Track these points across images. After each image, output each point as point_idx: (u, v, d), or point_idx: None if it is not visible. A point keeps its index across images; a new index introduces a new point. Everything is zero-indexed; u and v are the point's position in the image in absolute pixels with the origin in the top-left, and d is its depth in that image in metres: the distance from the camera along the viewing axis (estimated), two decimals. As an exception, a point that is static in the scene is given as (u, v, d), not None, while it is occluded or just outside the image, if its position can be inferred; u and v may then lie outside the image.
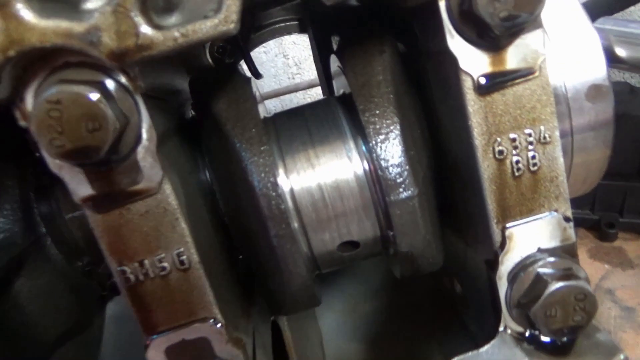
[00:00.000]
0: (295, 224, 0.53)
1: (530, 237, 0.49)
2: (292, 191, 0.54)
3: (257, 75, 0.91)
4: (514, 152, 0.47)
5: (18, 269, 0.57)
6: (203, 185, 0.56)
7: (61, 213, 0.57)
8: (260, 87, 0.80)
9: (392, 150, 0.49)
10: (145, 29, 0.37)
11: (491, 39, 0.42)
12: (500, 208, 0.48)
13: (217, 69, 0.72)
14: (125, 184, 0.43)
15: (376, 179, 0.51)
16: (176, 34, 0.37)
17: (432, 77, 0.52)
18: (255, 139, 0.50)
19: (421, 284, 0.86)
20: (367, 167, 0.53)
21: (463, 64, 0.44)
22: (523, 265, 0.49)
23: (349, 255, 0.57)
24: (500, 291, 0.50)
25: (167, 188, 0.44)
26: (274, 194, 0.50)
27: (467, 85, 0.45)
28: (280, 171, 0.54)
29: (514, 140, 0.47)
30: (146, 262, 0.46)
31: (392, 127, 0.49)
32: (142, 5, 0.37)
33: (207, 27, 0.37)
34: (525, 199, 0.48)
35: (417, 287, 0.86)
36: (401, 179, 0.49)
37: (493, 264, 0.50)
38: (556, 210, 0.49)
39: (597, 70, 0.54)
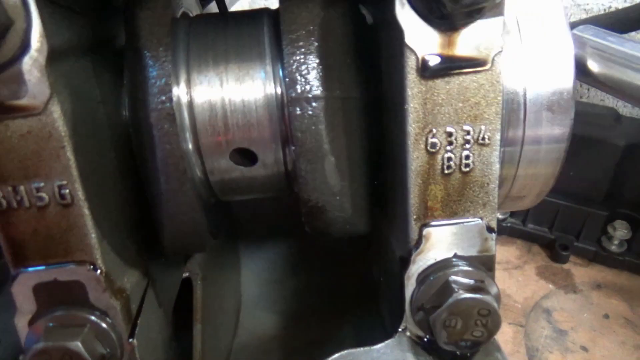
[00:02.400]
0: (190, 143, 0.49)
1: (448, 240, 0.46)
2: (190, 105, 0.48)
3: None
4: (447, 147, 0.43)
5: None
6: (118, 120, 0.51)
7: None
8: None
9: (307, 70, 0.45)
10: None
11: (444, 15, 0.37)
12: (422, 204, 0.45)
13: None
14: (3, 96, 0.38)
15: (287, 102, 0.46)
16: None
17: (383, 48, 0.47)
18: (154, 45, 0.45)
19: (351, 269, 0.83)
20: (279, 91, 0.48)
21: (409, 38, 0.40)
22: (435, 269, 0.46)
23: (246, 177, 0.52)
24: (407, 291, 0.47)
25: (56, 111, 0.39)
26: (166, 105, 0.45)
27: (410, 64, 0.40)
28: (182, 83, 0.48)
29: (450, 134, 0.43)
30: (21, 188, 0.41)
31: (311, 57, 0.45)
32: None
33: None
34: (450, 199, 0.44)
35: (346, 272, 0.83)
36: (308, 79, 0.45)
37: (405, 262, 0.47)
38: (481, 218, 0.45)
39: (563, 81, 0.49)
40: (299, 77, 0.46)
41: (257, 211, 0.88)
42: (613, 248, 1.36)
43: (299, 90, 0.46)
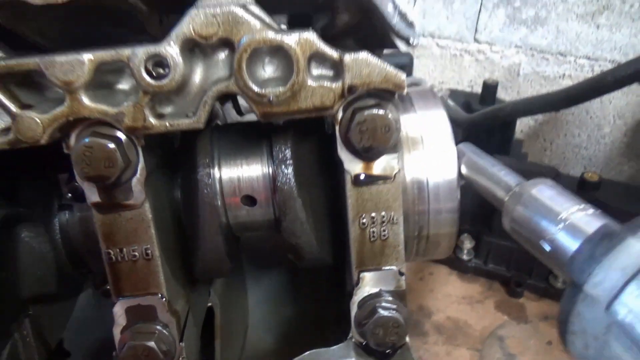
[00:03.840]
0: (219, 200, 0.77)
1: (375, 280, 0.75)
2: (220, 179, 0.78)
3: (240, 113, 1.17)
4: (372, 225, 0.73)
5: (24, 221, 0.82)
6: (173, 199, 0.82)
7: (73, 211, 0.83)
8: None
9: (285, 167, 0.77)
10: (151, 118, 0.62)
11: (362, 155, 0.68)
12: (359, 258, 0.74)
13: None
14: (120, 199, 0.69)
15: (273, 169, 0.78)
16: (167, 124, 0.63)
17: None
18: (201, 151, 0.77)
19: (333, 301, 1.11)
20: (271, 171, 0.78)
21: (346, 165, 0.70)
22: (368, 298, 0.75)
23: (250, 215, 0.79)
24: (352, 312, 0.76)
25: (146, 206, 0.70)
26: (207, 181, 0.75)
27: (348, 178, 0.71)
28: (215, 167, 0.78)
29: (373, 218, 0.72)
30: (125, 249, 0.71)
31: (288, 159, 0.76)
32: (151, 103, 0.62)
33: (186, 123, 0.63)
34: (375, 256, 0.74)
35: (330, 302, 1.12)
36: (287, 157, 0.76)
37: (350, 294, 0.76)
38: (395, 267, 0.74)
39: (450, 174, 0.79)
40: (280, 156, 0.76)
41: (258, 253, 1.18)
42: (559, 285, 1.62)
43: (280, 158, 0.76)
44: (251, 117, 0.92)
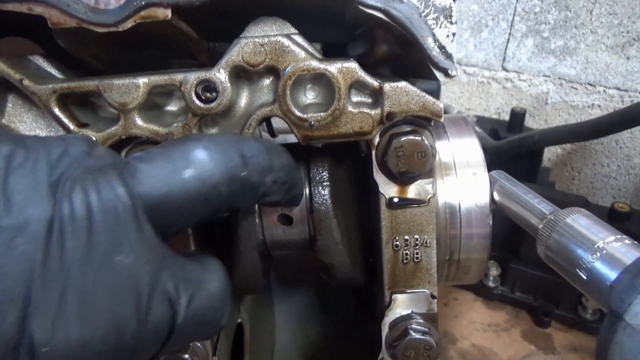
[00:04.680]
0: (257, 219, 0.80)
1: (407, 302, 0.76)
2: None
3: (273, 134, 1.21)
4: (405, 247, 0.74)
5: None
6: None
7: None
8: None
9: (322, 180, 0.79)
10: (197, 138, 0.66)
11: (397, 179, 0.70)
12: (391, 280, 0.75)
13: None
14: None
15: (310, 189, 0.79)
16: (213, 144, 0.66)
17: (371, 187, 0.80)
18: None
19: (362, 323, 1.12)
20: (308, 191, 0.80)
21: (381, 188, 0.72)
22: (400, 320, 0.76)
23: (286, 234, 0.80)
24: (383, 333, 0.77)
25: (188, 222, 0.73)
26: None
27: (382, 201, 0.73)
28: None
29: (406, 240, 0.74)
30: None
31: (325, 181, 0.78)
32: (198, 125, 0.66)
33: (230, 143, 0.66)
34: (407, 278, 0.75)
35: (358, 324, 1.12)
36: (324, 179, 0.78)
37: (382, 315, 0.77)
38: (427, 289, 0.75)
39: (482, 200, 0.81)
40: (317, 177, 0.79)
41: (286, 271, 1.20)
42: (587, 316, 1.59)
43: (317, 179, 0.78)
44: (285, 137, 0.96)
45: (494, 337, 1.61)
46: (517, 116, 1.79)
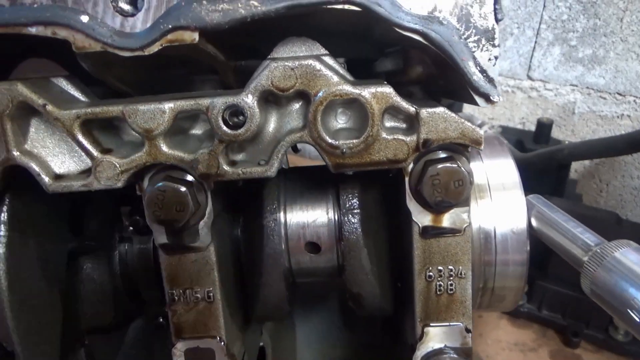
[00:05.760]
0: (283, 245, 0.77)
1: (440, 336, 0.72)
2: (285, 224, 0.78)
3: (296, 150, 1.18)
4: (438, 278, 0.70)
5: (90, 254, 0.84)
6: (233, 241, 0.82)
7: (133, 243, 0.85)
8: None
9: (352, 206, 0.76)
10: (224, 165, 0.63)
11: (432, 208, 0.67)
12: (424, 312, 0.72)
13: None
14: (187, 241, 0.69)
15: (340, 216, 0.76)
16: (240, 171, 0.63)
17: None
18: (269, 195, 0.77)
19: (384, 348, 1.08)
20: (336, 218, 0.77)
21: (414, 216, 0.68)
22: (432, 354, 0.72)
23: (314, 262, 0.78)
24: (414, 367, 0.73)
25: (211, 249, 0.70)
26: (273, 226, 0.75)
27: (415, 229, 0.69)
28: (281, 212, 0.78)
29: (440, 271, 0.70)
30: (188, 291, 0.71)
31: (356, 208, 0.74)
32: (225, 151, 0.63)
33: (258, 171, 0.64)
34: (441, 310, 0.71)
35: (381, 350, 1.09)
36: (354, 206, 0.75)
37: (413, 348, 0.73)
38: (461, 323, 0.72)
39: (519, 226, 0.77)
40: (347, 204, 0.76)
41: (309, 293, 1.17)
42: (619, 337, 1.52)
43: (347, 207, 0.75)
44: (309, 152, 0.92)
45: (521, 358, 1.55)
46: (544, 127, 1.74)
